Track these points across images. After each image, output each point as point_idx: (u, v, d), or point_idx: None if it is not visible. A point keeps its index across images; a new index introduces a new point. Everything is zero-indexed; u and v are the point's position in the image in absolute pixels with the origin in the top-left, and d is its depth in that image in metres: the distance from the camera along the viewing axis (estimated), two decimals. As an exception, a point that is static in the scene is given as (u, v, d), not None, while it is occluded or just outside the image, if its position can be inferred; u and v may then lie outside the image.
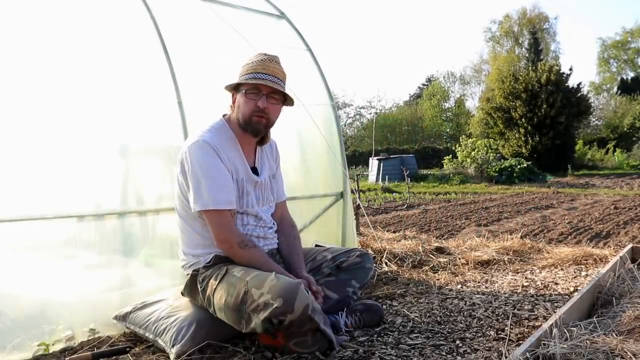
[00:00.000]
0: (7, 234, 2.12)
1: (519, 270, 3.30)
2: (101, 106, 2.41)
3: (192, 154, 1.97)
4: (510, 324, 2.20)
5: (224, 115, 2.15)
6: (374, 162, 16.26)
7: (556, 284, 2.91)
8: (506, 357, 1.81)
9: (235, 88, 2.07)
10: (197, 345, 1.94)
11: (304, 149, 3.39)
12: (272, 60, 2.05)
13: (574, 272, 3.18)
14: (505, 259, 3.56)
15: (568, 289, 2.79)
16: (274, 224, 2.24)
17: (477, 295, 2.70)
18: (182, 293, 2.17)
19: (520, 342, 1.96)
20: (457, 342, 2.03)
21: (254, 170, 2.14)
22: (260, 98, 2.01)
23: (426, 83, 42.92)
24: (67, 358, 1.96)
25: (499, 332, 2.12)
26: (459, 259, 3.57)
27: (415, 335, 2.13)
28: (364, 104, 42.80)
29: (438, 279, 3.10)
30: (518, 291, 2.78)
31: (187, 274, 2.09)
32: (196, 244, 2.06)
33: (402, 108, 39.69)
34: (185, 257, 2.11)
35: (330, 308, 2.13)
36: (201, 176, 1.95)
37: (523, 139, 19.50)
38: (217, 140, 2.01)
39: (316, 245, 2.92)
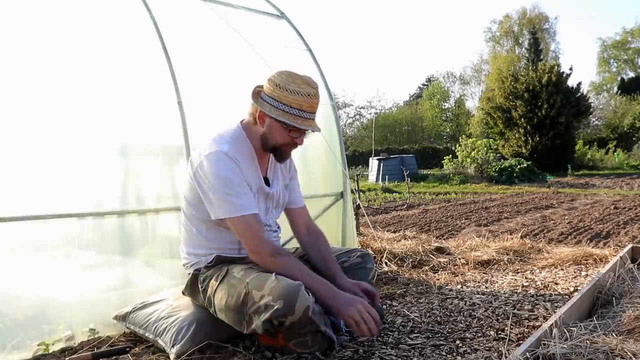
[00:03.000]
0: (7, 234, 2.12)
1: (519, 270, 3.30)
2: (101, 106, 2.41)
3: (211, 164, 1.89)
4: (510, 324, 2.20)
5: (241, 121, 2.07)
6: (374, 162, 16.27)
7: (556, 284, 2.91)
8: (506, 357, 1.81)
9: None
10: (197, 345, 1.94)
11: (304, 148, 3.36)
12: (316, 96, 1.95)
13: (574, 272, 3.18)
14: (505, 259, 3.56)
15: (568, 289, 2.79)
16: (278, 227, 2.22)
17: (477, 295, 2.70)
18: (183, 292, 2.17)
19: (520, 342, 1.96)
20: (457, 342, 2.03)
21: (266, 181, 2.10)
22: (300, 136, 1.97)
23: (426, 83, 42.95)
24: (67, 358, 1.96)
25: (499, 332, 2.12)
26: (459, 259, 3.57)
27: (415, 335, 2.13)
28: (364, 104, 42.89)
29: (438, 279, 3.10)
30: (518, 291, 2.78)
31: (189, 274, 2.08)
32: (198, 244, 2.05)
33: (402, 108, 39.73)
34: (186, 256, 2.11)
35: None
36: (221, 186, 1.88)
37: (523, 139, 19.50)
38: (236, 151, 1.94)
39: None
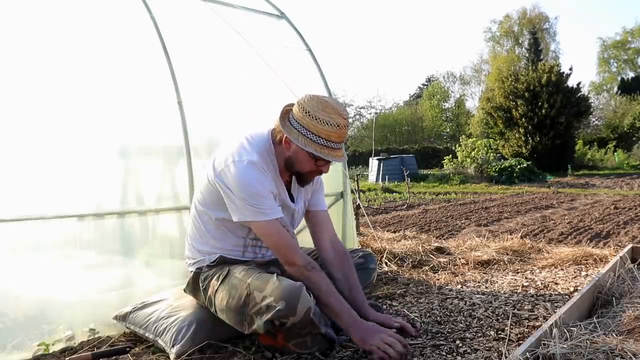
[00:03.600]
0: (7, 234, 2.12)
1: (519, 270, 3.30)
2: (101, 106, 2.41)
3: (238, 172, 1.84)
4: (510, 324, 2.20)
5: (271, 130, 2.00)
6: (374, 162, 16.27)
7: (556, 284, 2.91)
8: (506, 357, 1.81)
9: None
10: (197, 345, 1.94)
11: (304, 149, 3.38)
12: (347, 126, 1.88)
13: (574, 272, 3.18)
14: (505, 259, 3.56)
15: (568, 289, 2.79)
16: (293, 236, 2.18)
17: (477, 295, 2.70)
18: (184, 290, 2.16)
19: (520, 342, 1.96)
20: (457, 342, 2.03)
21: (290, 197, 2.07)
22: (326, 165, 1.93)
23: (426, 83, 42.96)
24: (67, 358, 1.96)
25: (499, 332, 2.12)
26: (459, 259, 3.57)
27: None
28: (364, 104, 42.85)
29: (438, 279, 3.10)
30: (518, 291, 2.78)
31: (190, 271, 2.08)
32: (204, 242, 2.04)
33: (402, 108, 39.75)
34: (190, 251, 2.09)
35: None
36: (248, 196, 1.83)
37: (523, 139, 19.50)
38: (264, 162, 1.91)
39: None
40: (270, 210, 1.87)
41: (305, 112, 1.84)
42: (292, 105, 1.93)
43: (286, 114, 1.93)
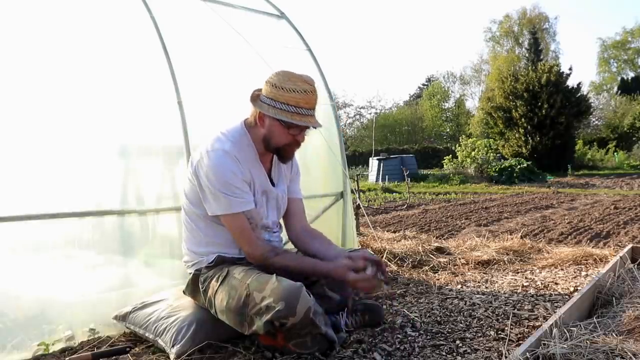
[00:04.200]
0: (7, 234, 2.12)
1: (519, 270, 3.30)
2: (102, 106, 2.41)
3: (211, 161, 1.91)
4: (510, 324, 2.20)
5: (244, 120, 2.07)
6: (374, 162, 16.27)
7: (556, 284, 2.91)
8: (506, 357, 1.81)
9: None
10: (197, 345, 1.94)
11: (304, 148, 3.35)
12: (314, 92, 1.95)
13: (574, 272, 3.18)
14: (505, 259, 3.56)
15: (568, 289, 2.79)
16: (279, 227, 2.22)
17: (477, 295, 2.70)
18: (183, 291, 2.17)
19: (520, 342, 1.96)
20: (457, 342, 2.03)
21: (271, 182, 2.11)
22: (300, 133, 1.98)
23: (426, 83, 42.96)
24: (67, 358, 1.96)
25: (499, 332, 2.12)
26: (459, 259, 3.57)
27: (415, 335, 2.13)
28: (364, 104, 42.89)
29: (438, 279, 3.10)
30: (518, 291, 2.78)
31: (189, 273, 2.08)
32: (199, 242, 2.05)
33: (402, 108, 39.75)
34: (188, 254, 2.10)
35: (331, 308, 2.13)
36: (219, 184, 1.89)
37: (523, 139, 19.51)
38: (237, 150, 1.96)
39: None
40: (239, 201, 1.92)
41: (273, 86, 1.92)
42: (261, 89, 2.00)
43: (257, 96, 2.00)
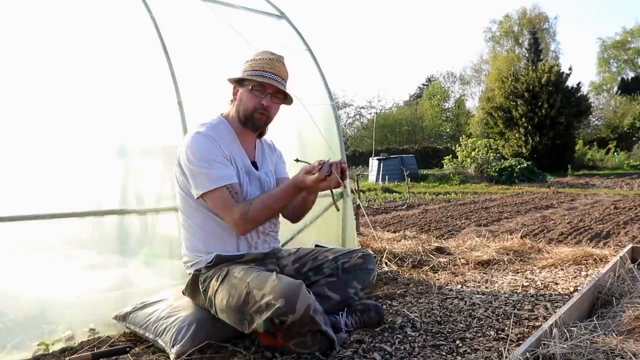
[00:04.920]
0: (7, 234, 2.12)
1: (519, 270, 3.30)
2: (102, 106, 2.41)
3: (186, 146, 2.00)
4: (510, 324, 2.20)
5: (221, 114, 2.17)
6: (374, 162, 16.27)
7: (556, 284, 2.91)
8: (506, 357, 1.81)
9: (239, 82, 2.09)
10: (197, 345, 1.94)
11: (304, 148, 3.38)
12: (279, 61, 2.09)
13: (574, 272, 3.18)
14: (505, 259, 3.56)
15: (568, 289, 2.79)
16: (277, 220, 2.24)
17: (477, 295, 2.70)
18: (183, 292, 2.17)
19: (520, 342, 1.96)
20: (457, 342, 2.03)
21: (254, 165, 2.16)
22: (265, 96, 2.06)
23: (426, 83, 42.99)
24: (67, 358, 1.96)
25: (499, 332, 2.12)
26: (459, 259, 3.57)
27: (415, 335, 2.13)
28: (364, 104, 42.84)
29: (438, 279, 3.10)
30: (518, 291, 2.78)
31: (189, 273, 2.09)
32: (197, 242, 2.06)
33: (402, 108, 39.78)
34: (187, 255, 2.11)
35: (331, 308, 2.13)
36: (196, 163, 1.96)
37: (523, 139, 19.51)
38: (214, 132, 2.04)
39: (316, 246, 2.91)
40: (220, 174, 1.96)
41: (245, 62, 2.10)
42: None
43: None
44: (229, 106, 2.17)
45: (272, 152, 2.31)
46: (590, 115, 23.72)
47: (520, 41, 33.83)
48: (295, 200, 2.11)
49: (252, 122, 2.10)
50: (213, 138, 2.01)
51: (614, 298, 2.35)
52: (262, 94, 2.05)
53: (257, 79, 2.03)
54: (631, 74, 35.39)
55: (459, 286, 2.94)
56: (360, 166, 21.95)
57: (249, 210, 1.97)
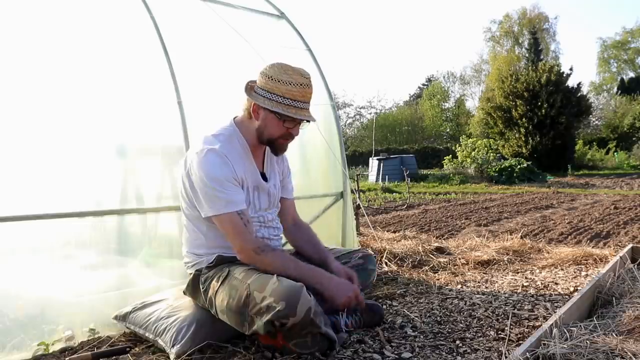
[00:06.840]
0: (7, 234, 2.12)
1: (519, 270, 3.30)
2: (101, 106, 2.41)
3: (200, 162, 1.90)
4: (510, 324, 2.20)
5: (234, 118, 2.09)
6: (374, 162, 16.27)
7: (556, 284, 2.91)
8: (506, 357, 1.81)
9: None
10: (197, 345, 1.94)
11: (304, 148, 3.39)
12: (309, 86, 1.96)
13: (574, 272, 3.18)
14: (505, 259, 3.56)
15: (568, 289, 2.79)
16: (278, 224, 2.22)
17: (477, 295, 2.70)
18: (184, 292, 2.16)
19: (520, 342, 1.96)
20: (457, 342, 2.03)
21: (263, 176, 2.11)
22: (295, 126, 1.99)
23: (426, 83, 42.96)
24: (67, 358, 1.96)
25: (499, 332, 2.12)
26: (459, 259, 3.57)
27: (415, 335, 2.13)
28: (364, 104, 42.88)
29: (438, 279, 3.10)
30: (518, 291, 2.78)
31: (190, 273, 2.08)
32: (199, 243, 2.05)
33: (402, 108, 39.77)
34: (188, 256, 2.10)
35: (331, 308, 2.13)
36: (209, 184, 1.88)
37: (523, 139, 19.51)
38: (227, 148, 1.96)
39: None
40: (231, 201, 1.90)
41: (269, 78, 1.93)
42: (255, 80, 2.01)
43: (251, 88, 2.01)
44: (242, 111, 2.06)
45: (282, 161, 2.25)
46: (590, 116, 23.72)
47: (520, 41, 33.81)
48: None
49: (275, 145, 2.03)
50: (226, 157, 1.92)
51: (614, 298, 2.35)
52: (292, 123, 1.97)
53: (292, 115, 1.92)
54: (631, 74, 35.41)
55: (459, 286, 2.94)
56: (360, 166, 21.94)
57: (267, 253, 1.92)
